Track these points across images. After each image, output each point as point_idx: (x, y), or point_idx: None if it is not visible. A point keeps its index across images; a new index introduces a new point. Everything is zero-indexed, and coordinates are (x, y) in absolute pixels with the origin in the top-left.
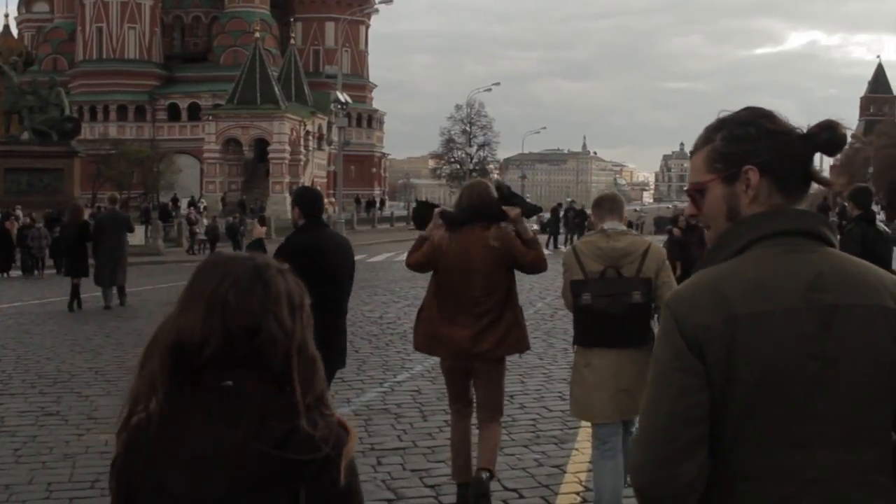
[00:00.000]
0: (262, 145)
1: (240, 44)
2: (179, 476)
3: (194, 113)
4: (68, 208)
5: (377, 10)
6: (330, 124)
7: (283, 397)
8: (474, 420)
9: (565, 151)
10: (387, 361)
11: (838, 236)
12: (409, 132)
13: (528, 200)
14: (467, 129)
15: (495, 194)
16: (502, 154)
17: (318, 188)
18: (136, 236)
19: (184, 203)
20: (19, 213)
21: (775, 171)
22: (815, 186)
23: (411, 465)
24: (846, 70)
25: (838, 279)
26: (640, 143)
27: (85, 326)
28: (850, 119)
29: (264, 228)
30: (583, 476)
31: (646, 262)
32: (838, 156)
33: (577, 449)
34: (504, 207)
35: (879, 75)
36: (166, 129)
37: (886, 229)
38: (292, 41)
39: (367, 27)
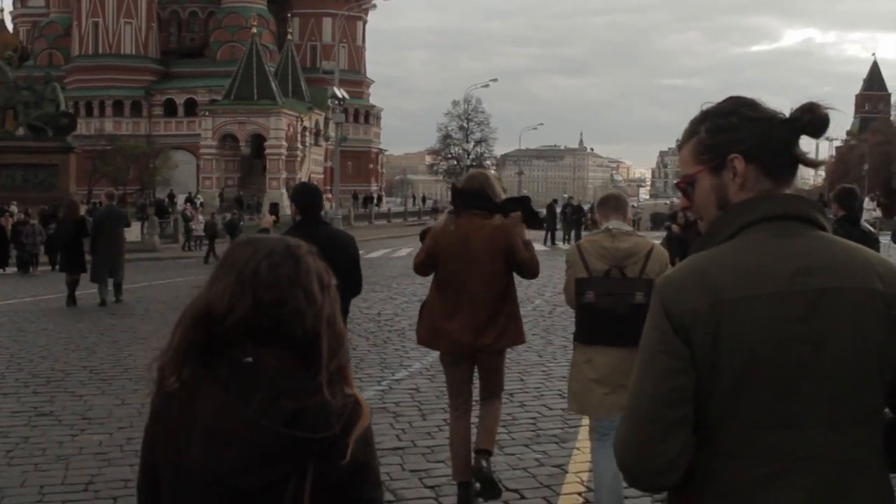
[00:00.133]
0: (258, 141)
1: (236, 39)
2: (193, 447)
3: (191, 108)
4: (64, 204)
5: (374, 6)
6: (327, 120)
7: (301, 375)
8: (474, 419)
9: (562, 148)
10: (385, 359)
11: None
12: (406, 128)
13: (536, 212)
14: (464, 125)
15: (497, 187)
16: (499, 150)
17: (316, 184)
18: (132, 232)
19: (181, 199)
20: (14, 208)
21: (761, 157)
22: (813, 185)
23: (410, 465)
24: (841, 67)
25: (825, 263)
26: (637, 140)
27: (80, 324)
28: (845, 115)
29: (273, 217)
30: (584, 476)
31: (649, 264)
32: (833, 153)
33: (578, 448)
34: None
35: (874, 73)
36: (162, 125)
37: (871, 228)
38: (289, 37)
39: (365, 23)
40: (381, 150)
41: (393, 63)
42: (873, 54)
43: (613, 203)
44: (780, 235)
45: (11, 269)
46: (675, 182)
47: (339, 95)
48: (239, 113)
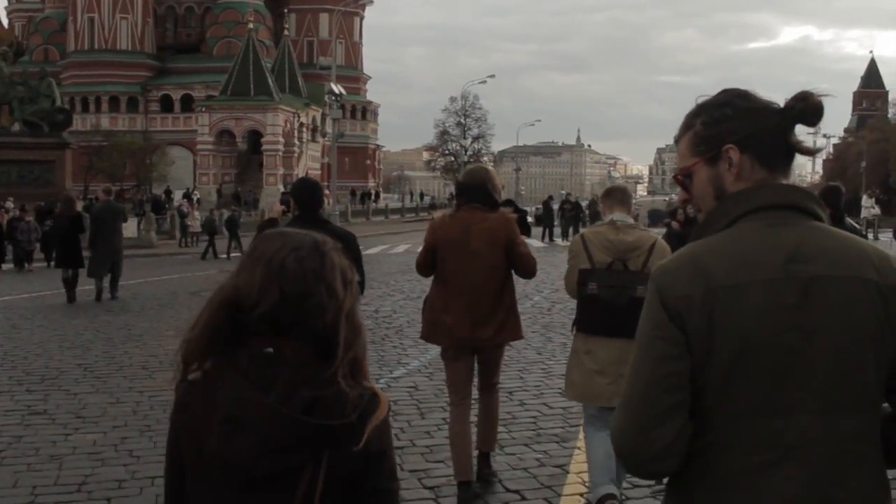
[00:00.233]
0: (255, 137)
1: (233, 35)
2: (213, 436)
3: (187, 104)
4: (61, 199)
5: (371, 2)
6: (324, 116)
7: (317, 366)
8: (473, 418)
9: (559, 144)
10: (382, 357)
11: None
12: (403, 124)
13: (525, 218)
14: (462, 121)
15: (498, 183)
16: (497, 146)
17: (317, 180)
18: (129, 229)
19: (178, 195)
20: (10, 205)
21: (756, 147)
22: (810, 183)
23: (409, 465)
24: (839, 65)
25: (818, 251)
26: (634, 136)
27: (75, 321)
28: (843, 112)
29: (283, 208)
30: (586, 476)
31: (651, 258)
32: (831, 150)
33: (579, 448)
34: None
35: (872, 70)
36: (159, 121)
37: (856, 225)
38: (286, 32)
39: (362, 19)
40: (378, 146)
41: (390, 59)
42: (871, 52)
43: (619, 195)
44: (776, 224)
45: (7, 266)
46: (673, 175)
47: (336, 91)
48: (235, 109)
